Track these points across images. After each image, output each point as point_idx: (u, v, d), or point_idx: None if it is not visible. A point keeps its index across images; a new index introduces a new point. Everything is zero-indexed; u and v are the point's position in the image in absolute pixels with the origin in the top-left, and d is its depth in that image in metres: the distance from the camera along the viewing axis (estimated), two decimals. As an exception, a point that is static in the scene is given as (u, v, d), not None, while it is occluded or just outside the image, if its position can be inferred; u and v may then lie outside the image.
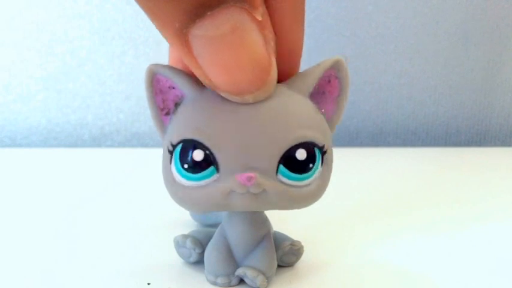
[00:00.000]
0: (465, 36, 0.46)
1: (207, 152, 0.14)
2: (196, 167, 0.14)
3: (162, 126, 0.15)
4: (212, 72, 0.13)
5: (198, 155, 0.14)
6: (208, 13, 0.12)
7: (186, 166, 0.14)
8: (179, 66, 0.15)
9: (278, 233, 0.18)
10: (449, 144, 0.48)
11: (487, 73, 0.47)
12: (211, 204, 0.14)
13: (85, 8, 0.43)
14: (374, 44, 0.46)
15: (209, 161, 0.14)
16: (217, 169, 0.14)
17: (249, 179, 0.14)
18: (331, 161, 0.15)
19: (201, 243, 0.17)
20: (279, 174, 0.14)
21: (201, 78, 0.13)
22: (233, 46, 0.12)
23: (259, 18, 0.12)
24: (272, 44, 0.13)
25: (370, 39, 0.46)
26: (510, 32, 0.47)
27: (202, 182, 0.14)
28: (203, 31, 0.12)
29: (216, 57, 0.12)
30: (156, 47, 0.44)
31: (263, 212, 0.17)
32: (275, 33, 0.13)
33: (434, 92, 0.47)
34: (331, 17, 0.45)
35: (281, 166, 0.14)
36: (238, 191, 0.14)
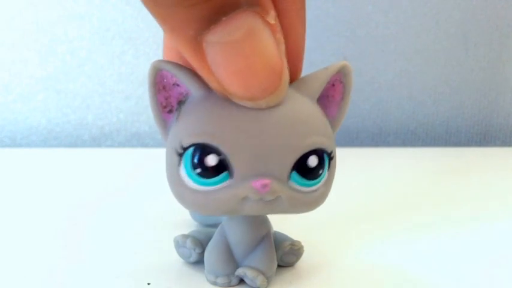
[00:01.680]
0: (465, 36, 0.46)
1: (221, 157, 0.14)
2: (209, 172, 0.14)
3: (164, 124, 0.15)
4: (226, 78, 0.13)
5: (212, 160, 0.14)
6: (223, 19, 0.12)
7: (198, 170, 0.14)
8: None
9: (278, 233, 0.19)
10: (449, 144, 0.48)
11: (487, 73, 0.47)
12: (222, 209, 0.14)
13: (85, 8, 0.43)
14: (374, 44, 0.46)
15: (223, 166, 0.14)
16: (230, 174, 0.14)
17: (264, 186, 0.13)
18: (335, 167, 0.16)
19: (201, 243, 0.17)
20: (290, 180, 0.14)
21: (213, 85, 0.13)
22: (247, 52, 0.12)
23: (272, 22, 0.12)
24: (283, 47, 0.13)
25: (370, 39, 0.46)
26: (510, 32, 0.47)
27: (215, 187, 0.14)
28: (217, 37, 0.12)
29: (231, 64, 0.12)
30: (156, 47, 0.44)
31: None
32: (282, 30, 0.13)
33: (434, 92, 0.47)
34: (331, 17, 0.45)
35: (293, 172, 0.14)
36: (253, 198, 0.14)
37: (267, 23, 0.12)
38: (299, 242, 0.18)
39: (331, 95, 0.15)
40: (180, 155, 0.14)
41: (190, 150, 0.14)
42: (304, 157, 0.14)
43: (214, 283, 0.16)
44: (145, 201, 0.27)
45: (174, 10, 0.12)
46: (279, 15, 0.14)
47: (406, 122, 0.48)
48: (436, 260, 0.19)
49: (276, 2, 0.14)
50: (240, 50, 0.12)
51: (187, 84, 0.15)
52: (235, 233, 0.16)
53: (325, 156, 0.15)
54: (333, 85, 0.15)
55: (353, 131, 0.47)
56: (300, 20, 0.14)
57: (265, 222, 0.17)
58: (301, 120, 0.14)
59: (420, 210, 0.26)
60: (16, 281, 0.17)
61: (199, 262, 0.18)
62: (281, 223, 0.19)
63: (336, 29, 0.45)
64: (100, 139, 0.45)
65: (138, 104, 0.45)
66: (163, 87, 0.15)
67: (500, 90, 0.48)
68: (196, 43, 0.12)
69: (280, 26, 0.13)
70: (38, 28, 0.43)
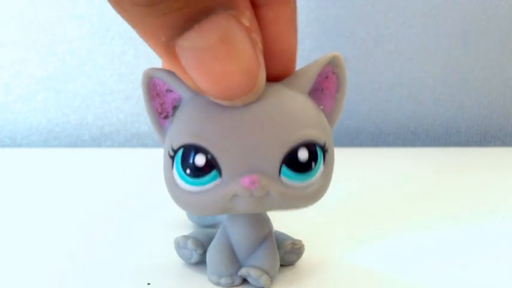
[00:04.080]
0: (465, 36, 0.46)
1: (209, 156, 0.14)
2: (198, 172, 0.14)
3: (161, 130, 0.15)
4: (200, 81, 0.13)
5: (200, 159, 0.14)
6: (195, 26, 0.12)
7: (188, 171, 0.14)
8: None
9: (278, 232, 0.19)
10: (449, 144, 0.48)
11: (487, 73, 0.47)
12: (215, 208, 0.14)
13: (85, 8, 0.43)
14: (374, 44, 0.46)
15: (211, 165, 0.14)
16: (219, 173, 0.14)
17: (253, 182, 0.13)
18: (333, 159, 0.15)
19: (202, 244, 0.17)
20: (281, 175, 0.14)
21: (189, 84, 0.13)
22: (221, 56, 0.12)
23: (247, 24, 0.12)
24: (260, 45, 0.13)
25: (370, 39, 0.46)
26: (510, 32, 0.47)
27: (206, 187, 0.14)
28: (190, 43, 0.12)
29: (204, 68, 0.12)
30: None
31: (265, 212, 0.17)
32: (270, 40, 0.14)
33: (434, 92, 0.47)
34: (331, 17, 0.45)
35: (284, 167, 0.14)
36: (242, 195, 0.14)
37: (242, 25, 0.12)
38: (300, 241, 0.18)
39: (326, 87, 0.15)
40: (172, 158, 0.14)
41: (180, 151, 0.14)
42: (294, 151, 0.14)
43: (218, 283, 0.16)
44: (145, 201, 0.26)
45: (146, 18, 0.12)
46: (268, 25, 0.14)
47: (406, 122, 0.48)
48: (436, 259, 0.19)
49: (264, 12, 0.14)
50: (213, 55, 0.12)
51: (179, 90, 0.15)
52: (237, 233, 0.16)
53: (318, 149, 0.15)
54: (326, 77, 0.15)
55: (353, 131, 0.47)
56: (290, 28, 0.15)
57: (267, 222, 0.17)
58: (288, 114, 0.14)
59: (420, 210, 0.26)
60: (16, 281, 0.17)
61: (199, 263, 0.18)
62: (281, 222, 0.19)
63: (336, 29, 0.45)
64: (100, 139, 0.45)
65: (138, 104, 0.45)
66: (157, 94, 0.15)
67: (500, 90, 0.48)
68: (169, 47, 0.12)
69: (270, 31, 0.14)
70: (38, 28, 0.43)
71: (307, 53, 0.44)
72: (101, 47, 0.44)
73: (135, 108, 0.45)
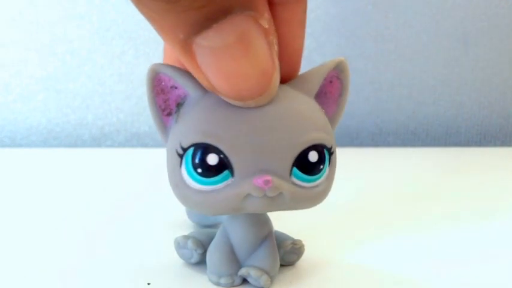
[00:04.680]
0: (465, 36, 0.46)
1: (222, 156, 0.14)
2: (210, 171, 0.14)
3: (164, 127, 0.15)
4: (215, 80, 0.13)
5: (212, 159, 0.14)
6: (214, 25, 0.12)
7: (199, 170, 0.14)
8: (176, 65, 0.15)
9: (278, 232, 0.19)
10: (449, 144, 0.48)
11: (487, 73, 0.47)
12: (226, 207, 0.14)
13: (85, 8, 0.43)
14: (374, 44, 0.46)
15: (224, 165, 0.14)
16: (231, 173, 0.14)
17: (266, 182, 0.13)
18: (336, 162, 0.16)
19: (202, 244, 0.17)
20: (292, 176, 0.14)
21: (203, 83, 0.13)
22: (238, 57, 0.12)
23: (266, 26, 0.12)
24: (276, 47, 0.13)
25: (370, 39, 0.46)
26: (510, 32, 0.47)
27: (217, 186, 0.14)
28: (208, 42, 0.12)
29: (220, 67, 0.12)
30: (156, 47, 0.44)
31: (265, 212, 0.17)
32: (281, 41, 0.14)
33: (434, 92, 0.47)
34: (331, 17, 0.45)
35: (294, 168, 0.14)
36: (255, 195, 0.14)
37: (260, 27, 0.12)
38: (300, 241, 0.18)
39: (329, 91, 0.16)
40: (181, 156, 0.14)
41: (191, 150, 0.14)
42: (305, 153, 0.14)
43: (218, 283, 0.16)
44: (145, 201, 0.27)
45: (166, 14, 0.12)
46: (282, 25, 0.14)
47: (406, 122, 0.48)
48: (436, 259, 0.19)
49: (279, 12, 0.14)
50: (230, 54, 0.12)
51: (185, 86, 0.15)
52: (237, 233, 0.16)
53: (325, 152, 0.15)
54: (330, 82, 0.16)
55: (353, 131, 0.47)
56: (301, 29, 0.15)
57: (267, 222, 0.17)
58: (300, 116, 0.14)
59: (420, 210, 0.26)
60: (16, 281, 0.17)
61: (199, 263, 0.18)
62: (281, 222, 0.19)
63: (336, 29, 0.45)
64: (100, 139, 0.45)
65: (138, 104, 0.45)
66: (162, 90, 0.15)
67: (500, 90, 0.48)
68: (186, 45, 0.12)
69: (280, 33, 0.13)
70: (38, 28, 0.43)
71: (307, 53, 0.44)
72: (101, 47, 0.44)
73: (135, 108, 0.45)
